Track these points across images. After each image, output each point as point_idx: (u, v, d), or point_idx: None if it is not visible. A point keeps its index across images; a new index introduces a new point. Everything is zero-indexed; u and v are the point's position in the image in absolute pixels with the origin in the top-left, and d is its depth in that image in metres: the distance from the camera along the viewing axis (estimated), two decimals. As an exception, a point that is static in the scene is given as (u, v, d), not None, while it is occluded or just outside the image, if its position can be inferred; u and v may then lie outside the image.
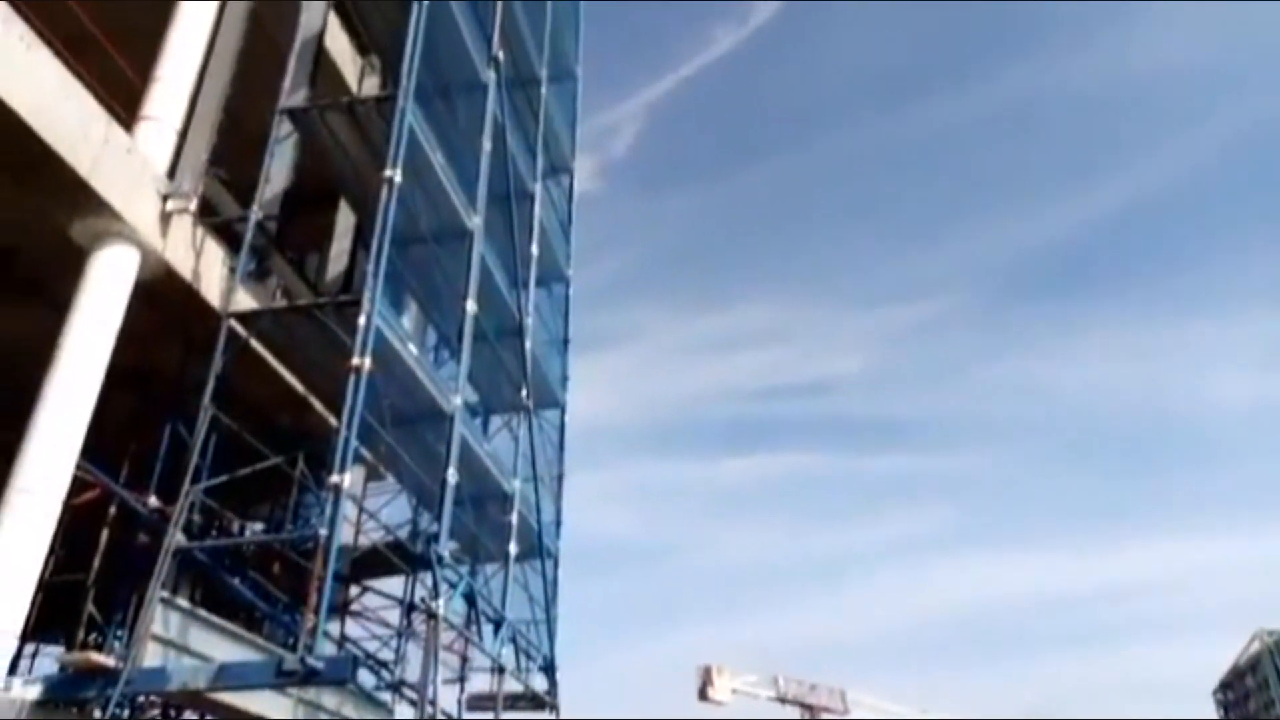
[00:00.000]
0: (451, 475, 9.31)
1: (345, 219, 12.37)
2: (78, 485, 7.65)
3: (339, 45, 11.03)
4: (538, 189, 14.52)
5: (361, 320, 8.26)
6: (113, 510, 9.34)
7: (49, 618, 8.43)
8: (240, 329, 8.89)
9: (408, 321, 12.81)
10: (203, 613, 7.76)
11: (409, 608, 12.69)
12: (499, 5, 12.35)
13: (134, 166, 7.91)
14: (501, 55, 12.11)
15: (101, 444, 7.78)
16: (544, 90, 15.32)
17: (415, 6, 9.60)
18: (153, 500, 8.73)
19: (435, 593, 9.06)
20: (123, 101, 8.48)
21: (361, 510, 12.82)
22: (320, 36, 10.00)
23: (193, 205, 8.37)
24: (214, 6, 8.82)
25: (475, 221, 10.90)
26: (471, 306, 10.49)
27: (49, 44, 7.19)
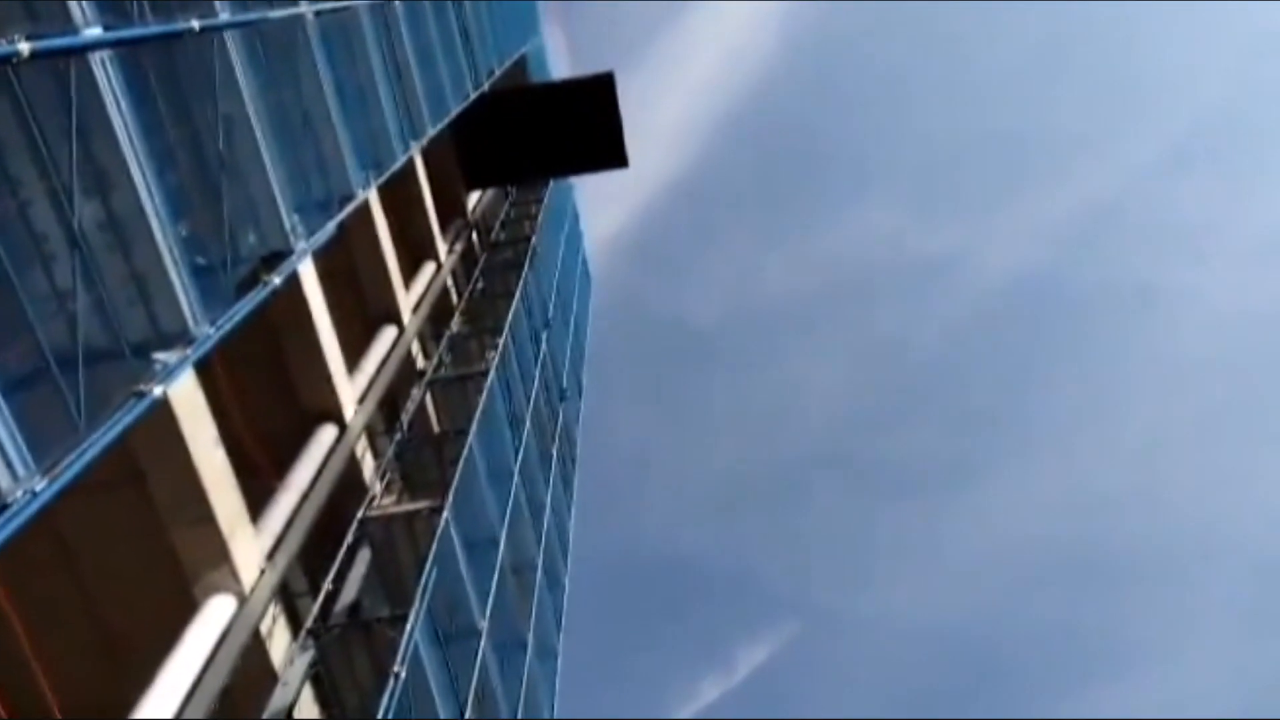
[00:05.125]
0: None
1: None
2: None
3: (308, 715, 10.80)
4: None
5: None
6: None
7: None
8: None
9: None
10: None
11: None
12: (475, 671, 12.52)
13: None
14: (473, 721, 11.90)
15: None
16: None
17: (391, 682, 9.67)
18: None
19: None
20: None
21: None
22: (290, 709, 9.82)
23: None
24: (190, 681, 8.77)
25: None
26: None
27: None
